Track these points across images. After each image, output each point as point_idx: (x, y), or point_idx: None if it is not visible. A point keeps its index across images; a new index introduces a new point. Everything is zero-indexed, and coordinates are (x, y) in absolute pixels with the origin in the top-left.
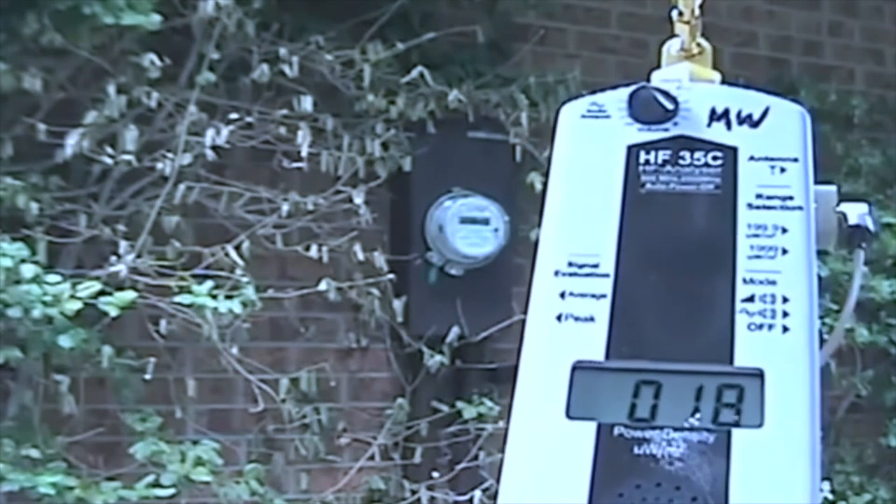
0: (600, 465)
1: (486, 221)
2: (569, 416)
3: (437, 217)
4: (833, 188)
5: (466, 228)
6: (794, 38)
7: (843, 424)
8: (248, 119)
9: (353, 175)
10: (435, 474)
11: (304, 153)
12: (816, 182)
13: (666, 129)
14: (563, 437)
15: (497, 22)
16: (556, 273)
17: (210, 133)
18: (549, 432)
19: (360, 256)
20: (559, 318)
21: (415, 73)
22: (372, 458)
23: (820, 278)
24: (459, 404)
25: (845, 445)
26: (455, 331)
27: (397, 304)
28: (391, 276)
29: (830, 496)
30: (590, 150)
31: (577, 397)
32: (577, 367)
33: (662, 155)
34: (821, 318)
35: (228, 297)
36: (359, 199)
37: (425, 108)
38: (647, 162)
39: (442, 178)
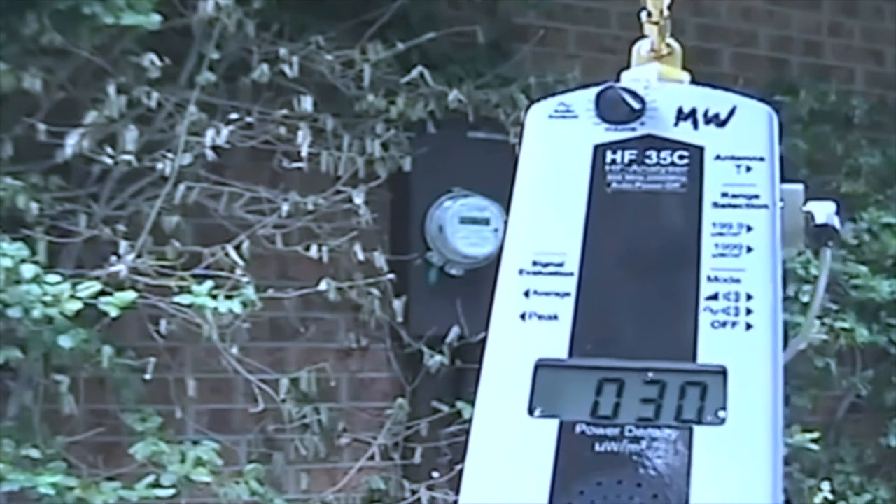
0: (562, 462)
1: (486, 221)
2: (531, 413)
3: (437, 217)
4: (800, 187)
5: (466, 228)
6: (794, 38)
7: (843, 424)
8: (248, 119)
9: (353, 175)
10: (435, 474)
11: (304, 153)
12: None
13: (633, 129)
14: (525, 435)
15: (497, 22)
16: (521, 272)
17: (210, 133)
18: (511, 429)
19: (360, 256)
20: (523, 316)
21: (415, 73)
22: (372, 458)
23: (817, 279)
24: (459, 404)
25: (845, 445)
26: (455, 331)
27: (397, 304)
28: (391, 276)
29: (830, 496)
30: (557, 149)
31: (539, 395)
32: (540, 365)
33: (629, 154)
34: (819, 317)
35: (228, 297)
36: (359, 199)
37: (425, 108)
38: (613, 161)
39: (442, 178)
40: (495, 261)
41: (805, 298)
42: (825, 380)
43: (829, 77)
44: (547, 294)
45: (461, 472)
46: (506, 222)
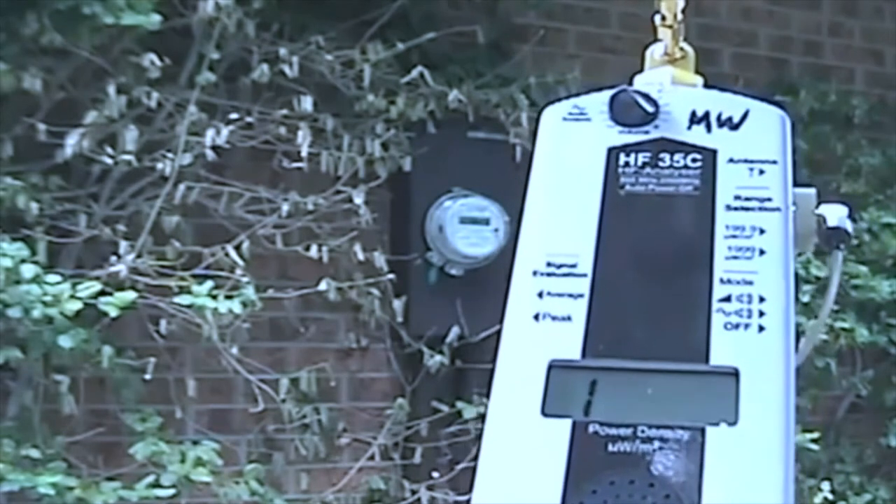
0: (574, 462)
1: (486, 221)
2: (544, 413)
3: (437, 217)
4: (812, 191)
5: (466, 228)
6: (794, 38)
7: (843, 424)
8: (248, 119)
9: (353, 175)
10: (435, 474)
11: (304, 153)
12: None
13: (646, 132)
14: (538, 434)
15: (497, 22)
16: (535, 273)
17: (210, 133)
18: (525, 429)
19: (360, 256)
20: (536, 317)
21: (415, 73)
22: (372, 458)
23: (818, 279)
24: (459, 404)
25: (845, 445)
26: (455, 331)
27: (397, 304)
28: (391, 276)
29: (830, 496)
30: (570, 151)
31: (552, 395)
32: (554, 366)
33: (642, 157)
34: None
35: (228, 297)
36: (359, 199)
37: (425, 108)
38: (626, 164)
39: (442, 178)
40: (495, 261)
41: (805, 299)
42: (825, 380)
43: (829, 77)
44: (560, 295)
45: (461, 472)
46: (508, 223)
